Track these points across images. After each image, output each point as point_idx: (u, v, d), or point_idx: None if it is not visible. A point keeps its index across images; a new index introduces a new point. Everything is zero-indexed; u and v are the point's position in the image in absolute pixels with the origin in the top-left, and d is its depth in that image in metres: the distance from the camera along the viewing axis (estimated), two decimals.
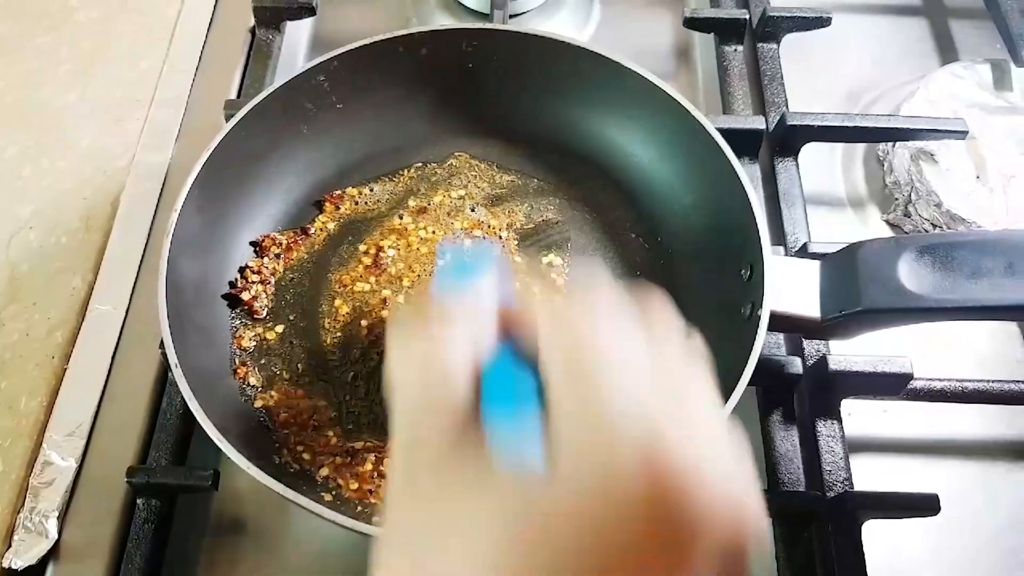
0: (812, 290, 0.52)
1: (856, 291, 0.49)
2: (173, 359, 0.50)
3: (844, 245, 0.57)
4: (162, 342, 0.51)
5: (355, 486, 0.54)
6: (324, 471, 0.54)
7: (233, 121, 0.59)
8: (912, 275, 0.48)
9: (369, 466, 0.54)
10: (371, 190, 0.67)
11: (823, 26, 0.75)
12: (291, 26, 0.79)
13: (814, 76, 0.78)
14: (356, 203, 0.66)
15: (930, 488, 0.58)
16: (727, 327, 0.55)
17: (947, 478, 0.59)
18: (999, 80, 0.72)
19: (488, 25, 0.66)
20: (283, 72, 0.77)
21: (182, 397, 0.49)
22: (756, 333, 0.50)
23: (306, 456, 0.55)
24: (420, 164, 0.68)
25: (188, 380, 0.49)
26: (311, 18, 0.79)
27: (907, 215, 0.69)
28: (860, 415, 0.60)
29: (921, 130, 0.67)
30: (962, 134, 0.66)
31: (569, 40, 0.63)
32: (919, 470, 0.59)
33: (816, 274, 0.52)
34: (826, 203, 0.71)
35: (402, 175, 0.67)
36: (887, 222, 0.70)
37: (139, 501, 0.55)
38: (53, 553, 0.55)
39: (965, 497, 0.58)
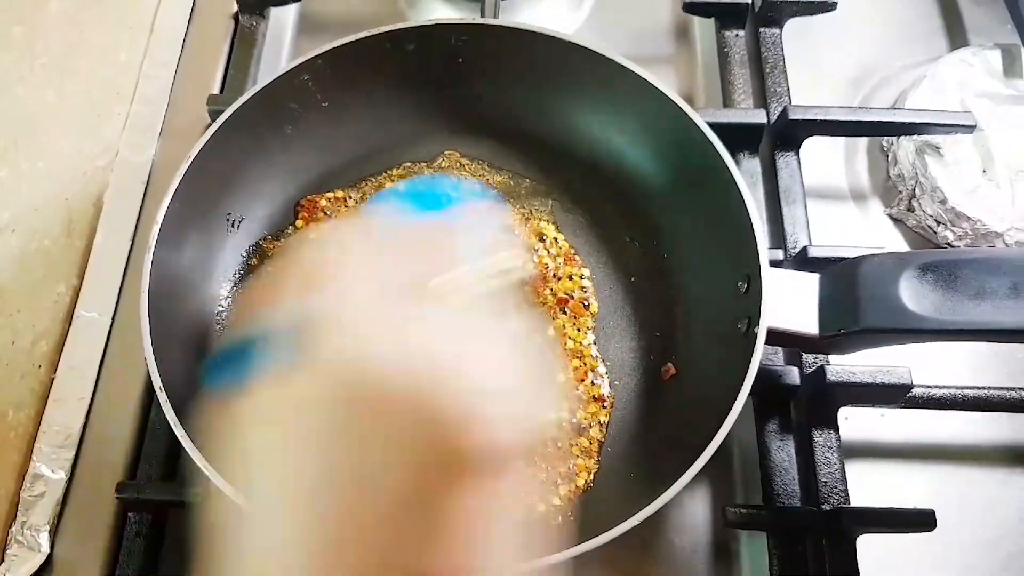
0: (810, 306, 0.51)
1: (856, 309, 0.48)
2: (158, 382, 0.49)
3: (845, 250, 0.56)
4: None
5: None
6: None
7: (214, 126, 0.57)
8: (914, 294, 0.47)
9: None
10: (357, 192, 0.65)
11: (828, 10, 0.72)
12: (276, 11, 0.76)
13: (817, 60, 0.75)
14: (343, 206, 0.64)
15: (927, 494, 0.57)
16: (723, 339, 0.54)
17: (944, 484, 0.58)
18: (1009, 67, 0.70)
19: (478, 20, 0.63)
20: (268, 60, 0.74)
21: None
22: (753, 351, 0.49)
23: None
24: (409, 163, 0.66)
25: (173, 402, 0.48)
26: (296, 3, 0.76)
27: (911, 209, 0.67)
28: (857, 420, 0.59)
29: (928, 124, 0.64)
30: (970, 128, 0.64)
31: (561, 35, 0.60)
32: (916, 476, 0.59)
33: (815, 288, 0.51)
34: (827, 196, 0.69)
35: (390, 175, 0.66)
36: (890, 216, 0.68)
37: (130, 514, 0.55)
38: (46, 567, 0.55)
39: (963, 503, 0.57)
